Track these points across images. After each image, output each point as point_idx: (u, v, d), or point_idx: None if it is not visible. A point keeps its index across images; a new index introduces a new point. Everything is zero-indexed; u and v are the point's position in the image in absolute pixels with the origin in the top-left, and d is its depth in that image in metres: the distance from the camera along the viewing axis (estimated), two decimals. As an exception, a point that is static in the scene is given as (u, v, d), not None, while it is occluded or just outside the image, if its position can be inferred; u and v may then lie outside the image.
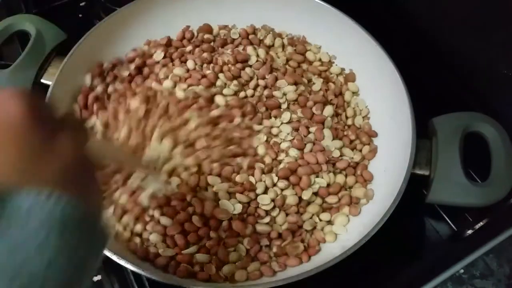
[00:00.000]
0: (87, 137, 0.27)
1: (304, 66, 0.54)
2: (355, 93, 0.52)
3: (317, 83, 0.52)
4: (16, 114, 0.22)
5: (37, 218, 0.22)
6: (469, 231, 0.46)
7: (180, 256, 0.41)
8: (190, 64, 0.52)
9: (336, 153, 0.47)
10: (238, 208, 0.43)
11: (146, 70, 0.53)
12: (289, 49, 0.55)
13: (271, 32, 0.56)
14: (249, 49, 0.53)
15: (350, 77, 0.53)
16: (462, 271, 0.41)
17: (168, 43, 0.55)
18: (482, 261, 0.42)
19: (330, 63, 0.54)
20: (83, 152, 0.26)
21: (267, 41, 0.55)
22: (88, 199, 0.25)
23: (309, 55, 0.54)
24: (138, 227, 0.43)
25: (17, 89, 0.23)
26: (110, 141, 0.46)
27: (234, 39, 0.56)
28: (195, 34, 0.57)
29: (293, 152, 0.46)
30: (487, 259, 0.42)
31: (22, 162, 0.22)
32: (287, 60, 0.54)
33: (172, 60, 0.54)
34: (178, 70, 0.52)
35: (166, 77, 0.51)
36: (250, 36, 0.55)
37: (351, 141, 0.49)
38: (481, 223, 0.46)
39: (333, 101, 0.51)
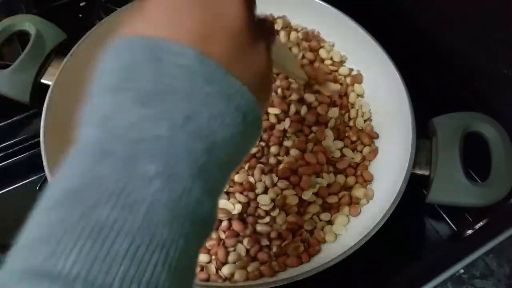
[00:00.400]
0: (275, 45, 0.29)
1: (316, 64, 0.54)
2: (360, 95, 0.52)
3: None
4: (237, 15, 0.24)
5: (231, 105, 0.22)
6: (469, 231, 0.46)
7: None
8: None
9: (337, 154, 0.47)
10: (238, 208, 0.43)
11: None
12: (304, 43, 0.54)
13: (287, 27, 0.56)
14: None
15: (357, 79, 0.52)
16: (462, 271, 0.41)
17: None
18: (482, 261, 0.42)
19: (341, 63, 0.54)
20: (271, 61, 0.28)
21: (282, 37, 0.54)
22: (265, 104, 0.27)
23: (322, 53, 0.54)
24: None
25: None
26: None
27: None
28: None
29: (294, 152, 0.46)
30: (487, 259, 0.42)
31: (230, 57, 0.23)
32: (302, 57, 0.54)
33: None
34: None
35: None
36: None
37: (352, 142, 0.49)
38: (481, 223, 0.46)
39: (337, 102, 0.51)
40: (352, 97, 0.51)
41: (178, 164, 0.20)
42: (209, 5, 0.24)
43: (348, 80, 0.53)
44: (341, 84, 0.52)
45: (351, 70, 0.53)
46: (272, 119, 0.48)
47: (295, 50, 0.54)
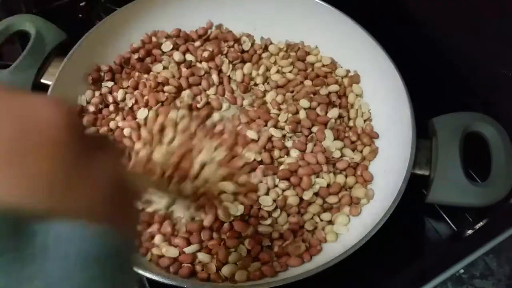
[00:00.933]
0: (125, 160, 0.24)
1: (308, 70, 0.54)
2: (359, 95, 0.52)
3: (324, 88, 0.52)
4: (56, 123, 0.18)
5: (76, 253, 0.18)
6: (469, 231, 0.46)
7: (182, 256, 0.41)
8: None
9: (337, 154, 0.47)
10: (241, 209, 0.43)
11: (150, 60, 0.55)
12: (291, 54, 0.55)
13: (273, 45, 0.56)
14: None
15: (354, 79, 0.53)
16: (462, 271, 0.41)
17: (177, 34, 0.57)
18: (482, 261, 0.42)
19: (334, 65, 0.54)
20: (122, 177, 0.23)
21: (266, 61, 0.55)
22: (126, 230, 0.22)
23: (310, 59, 0.54)
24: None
25: (54, 97, 0.21)
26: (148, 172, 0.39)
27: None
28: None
29: (294, 153, 0.46)
30: (487, 259, 0.42)
31: (55, 181, 0.18)
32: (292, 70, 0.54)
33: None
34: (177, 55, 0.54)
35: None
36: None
37: (352, 142, 0.49)
38: (481, 223, 0.46)
39: (336, 102, 0.51)
40: (351, 97, 0.51)
41: None
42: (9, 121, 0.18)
43: (346, 81, 0.53)
44: (339, 85, 0.52)
45: (348, 71, 0.54)
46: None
47: (282, 62, 0.54)
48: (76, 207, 0.19)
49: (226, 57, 0.54)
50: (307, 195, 0.44)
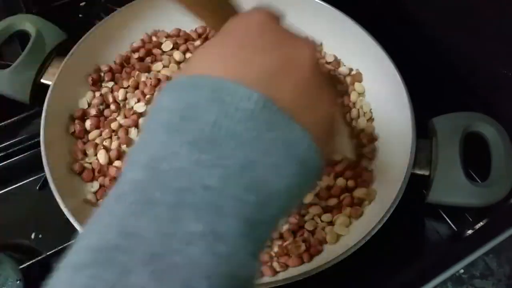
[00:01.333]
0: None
1: None
2: (361, 94, 0.52)
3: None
4: (309, 59, 0.23)
5: (286, 154, 0.20)
6: (469, 231, 0.46)
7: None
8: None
9: (338, 156, 0.47)
10: None
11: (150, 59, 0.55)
12: None
13: None
14: None
15: (357, 77, 0.53)
16: (462, 271, 0.41)
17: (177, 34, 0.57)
18: (482, 261, 0.42)
19: (338, 63, 0.54)
20: (335, 115, 0.26)
21: None
22: (327, 153, 0.25)
23: None
24: None
25: (309, 40, 0.24)
26: None
27: None
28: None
29: None
30: (487, 259, 0.42)
31: (296, 103, 0.22)
32: None
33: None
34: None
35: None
36: None
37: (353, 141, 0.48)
38: (481, 223, 0.46)
39: (338, 100, 0.51)
40: (353, 95, 0.51)
41: (225, 221, 0.18)
42: (278, 47, 0.22)
43: (348, 80, 0.53)
44: (342, 83, 0.52)
45: (350, 69, 0.54)
46: None
47: None
48: (305, 121, 0.21)
49: None
50: (307, 198, 0.44)
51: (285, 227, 0.44)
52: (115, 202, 0.19)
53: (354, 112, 0.50)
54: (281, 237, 0.43)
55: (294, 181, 0.21)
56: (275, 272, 0.41)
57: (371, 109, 0.51)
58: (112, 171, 0.47)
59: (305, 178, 0.22)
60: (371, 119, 0.50)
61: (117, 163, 0.48)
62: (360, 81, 0.52)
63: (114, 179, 0.46)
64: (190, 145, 0.19)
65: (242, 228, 0.19)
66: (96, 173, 0.47)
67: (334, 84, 0.25)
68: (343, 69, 0.54)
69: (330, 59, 0.54)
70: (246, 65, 0.21)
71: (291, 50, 0.23)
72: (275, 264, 0.41)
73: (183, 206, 0.18)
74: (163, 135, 0.20)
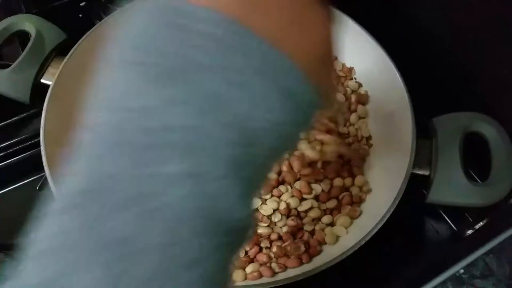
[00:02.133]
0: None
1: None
2: (362, 118, 0.51)
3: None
4: None
5: (278, 87, 0.18)
6: (469, 231, 0.46)
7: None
8: None
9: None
10: None
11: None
12: None
13: None
14: None
15: (362, 99, 0.51)
16: (462, 271, 0.41)
17: None
18: (482, 261, 0.42)
19: (350, 71, 0.53)
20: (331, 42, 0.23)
21: None
22: (324, 87, 0.22)
23: None
24: None
25: None
26: None
27: None
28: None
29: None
30: (487, 259, 0.42)
31: (280, 26, 0.19)
32: None
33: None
34: None
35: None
36: None
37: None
38: (481, 223, 0.46)
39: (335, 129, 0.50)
40: (353, 117, 0.50)
41: (209, 161, 0.17)
42: None
43: (353, 97, 0.51)
44: (346, 98, 0.51)
45: (359, 85, 0.52)
46: None
47: None
48: (292, 47, 0.19)
49: None
50: (304, 206, 0.44)
51: (284, 230, 0.43)
52: (84, 149, 0.18)
53: (352, 130, 0.50)
54: (280, 238, 0.43)
55: (282, 116, 0.19)
56: (274, 273, 0.41)
57: (369, 134, 0.50)
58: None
59: (296, 113, 0.19)
60: (368, 144, 0.49)
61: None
62: (364, 103, 0.51)
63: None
64: (155, 81, 0.17)
65: (226, 169, 0.17)
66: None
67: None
68: (351, 83, 0.52)
69: (339, 67, 0.53)
70: None
71: None
72: (273, 265, 0.41)
73: (159, 145, 0.17)
74: (123, 72, 0.18)
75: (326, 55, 0.22)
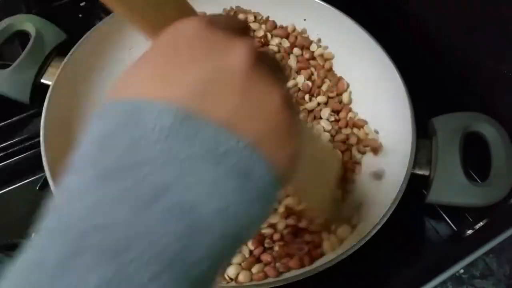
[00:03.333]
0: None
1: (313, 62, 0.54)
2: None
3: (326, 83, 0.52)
4: (241, 57, 0.20)
5: (228, 165, 0.18)
6: (469, 231, 0.46)
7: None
8: None
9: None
10: None
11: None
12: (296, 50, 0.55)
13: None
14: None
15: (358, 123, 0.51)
16: (462, 271, 0.41)
17: None
18: (482, 261, 0.42)
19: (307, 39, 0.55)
20: (291, 104, 0.21)
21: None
22: (289, 167, 0.21)
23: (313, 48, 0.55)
24: None
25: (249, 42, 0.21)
26: None
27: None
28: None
29: None
30: (487, 259, 0.42)
31: (232, 110, 0.19)
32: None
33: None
34: None
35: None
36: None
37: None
38: (481, 223, 0.46)
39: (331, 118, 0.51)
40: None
41: (135, 263, 0.15)
42: (210, 55, 0.20)
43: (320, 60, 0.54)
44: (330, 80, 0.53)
45: (323, 47, 0.55)
46: None
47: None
48: (247, 128, 0.19)
49: None
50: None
51: (286, 231, 0.44)
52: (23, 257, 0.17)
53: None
54: (282, 238, 0.43)
55: (233, 200, 0.18)
56: (278, 273, 0.41)
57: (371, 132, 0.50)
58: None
59: (251, 195, 0.18)
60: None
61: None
62: (359, 128, 0.51)
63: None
64: (98, 179, 0.17)
65: (160, 267, 0.16)
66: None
67: (280, 71, 0.23)
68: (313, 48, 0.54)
69: (329, 56, 0.54)
70: (175, 82, 0.19)
71: (222, 55, 0.20)
72: (277, 265, 0.41)
73: (82, 250, 0.16)
74: (76, 174, 0.19)
75: (283, 129, 0.21)
